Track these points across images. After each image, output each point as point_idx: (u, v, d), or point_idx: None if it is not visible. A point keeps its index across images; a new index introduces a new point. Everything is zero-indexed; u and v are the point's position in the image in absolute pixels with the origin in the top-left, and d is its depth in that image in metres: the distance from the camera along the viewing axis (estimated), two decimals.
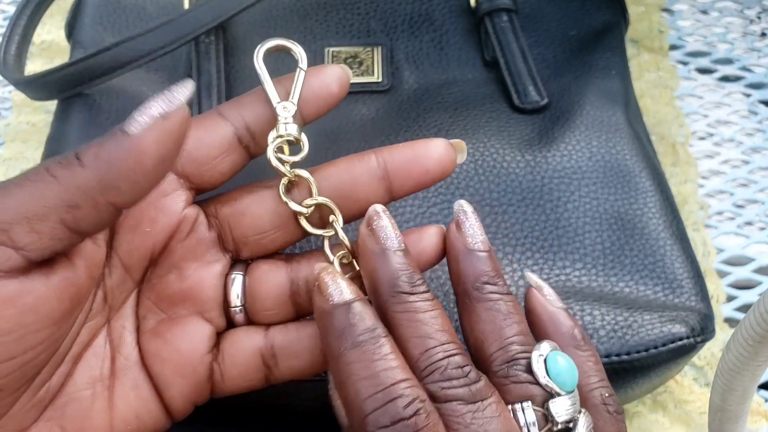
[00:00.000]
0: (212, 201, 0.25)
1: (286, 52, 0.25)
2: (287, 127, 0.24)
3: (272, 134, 0.24)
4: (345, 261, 0.25)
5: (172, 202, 0.23)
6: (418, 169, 0.24)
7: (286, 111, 0.24)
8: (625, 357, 0.30)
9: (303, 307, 0.24)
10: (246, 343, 0.24)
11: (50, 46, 0.47)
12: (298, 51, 0.25)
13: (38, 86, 0.36)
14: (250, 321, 0.25)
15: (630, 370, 0.30)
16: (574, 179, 0.33)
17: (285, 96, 0.24)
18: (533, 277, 0.25)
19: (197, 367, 0.24)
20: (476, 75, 0.38)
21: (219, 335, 0.25)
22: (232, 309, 0.24)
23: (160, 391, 0.24)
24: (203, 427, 0.32)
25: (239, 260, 0.25)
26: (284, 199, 0.24)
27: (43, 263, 0.20)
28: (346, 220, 0.25)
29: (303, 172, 0.24)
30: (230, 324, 0.25)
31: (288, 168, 0.24)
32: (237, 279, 0.24)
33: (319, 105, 0.25)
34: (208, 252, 0.24)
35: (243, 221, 0.24)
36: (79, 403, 0.23)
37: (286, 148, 0.24)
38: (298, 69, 0.24)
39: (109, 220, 0.21)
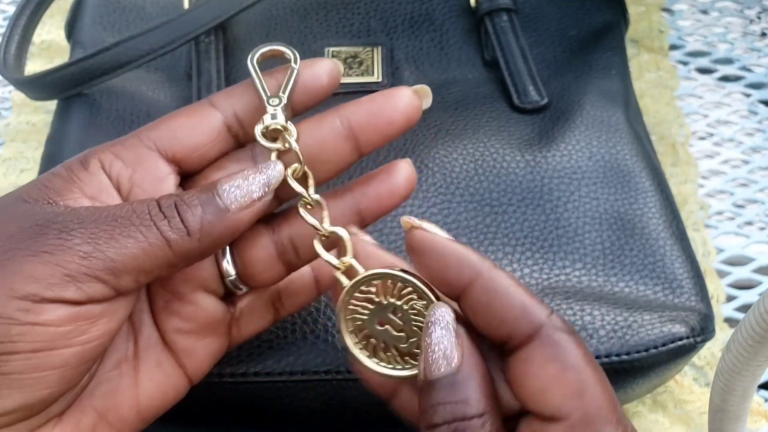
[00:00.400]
0: (188, 179, 0.25)
1: (280, 56, 0.26)
2: (273, 117, 0.24)
3: (260, 124, 0.24)
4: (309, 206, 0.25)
5: (164, 186, 0.24)
6: (382, 121, 0.25)
7: (273, 102, 0.24)
8: (625, 357, 0.30)
9: (293, 264, 0.25)
10: (255, 296, 0.26)
11: (50, 46, 0.47)
12: (292, 52, 0.25)
13: (38, 86, 0.36)
14: (248, 286, 0.26)
15: (630, 370, 0.30)
16: (574, 179, 0.33)
17: (276, 88, 0.25)
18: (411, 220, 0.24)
19: (217, 330, 0.26)
20: (476, 75, 0.38)
21: (233, 298, 0.26)
22: (228, 279, 0.25)
23: (183, 363, 0.25)
24: (204, 428, 0.32)
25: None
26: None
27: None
28: (318, 182, 0.25)
29: (292, 142, 0.24)
30: (232, 292, 0.26)
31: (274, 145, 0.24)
32: (225, 251, 0.25)
33: (310, 96, 0.25)
34: None
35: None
36: (109, 383, 0.24)
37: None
38: (290, 67, 0.25)
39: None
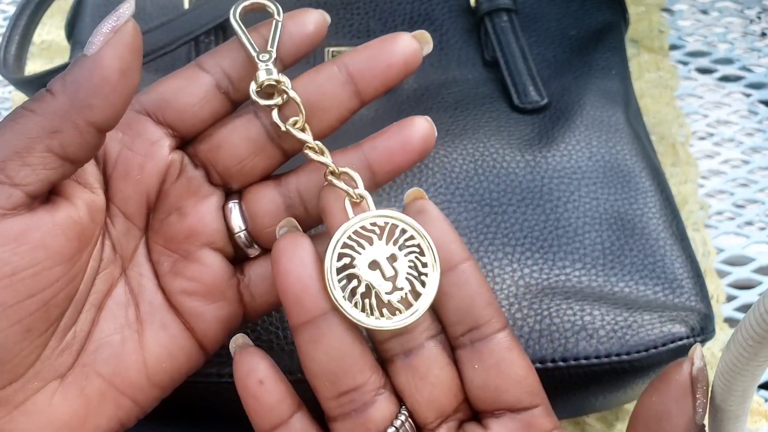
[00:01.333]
0: (191, 143, 0.25)
1: (262, 10, 0.26)
2: (267, 72, 0.24)
3: (253, 83, 0.24)
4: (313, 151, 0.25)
5: (158, 148, 0.24)
6: (380, 64, 0.24)
7: (263, 57, 0.24)
8: (625, 357, 0.30)
9: (301, 218, 0.25)
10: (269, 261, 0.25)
11: (50, 46, 0.47)
12: (274, 5, 0.25)
13: (38, 86, 0.36)
14: (256, 243, 0.26)
15: (630, 370, 0.30)
16: (574, 179, 0.33)
17: (263, 44, 0.25)
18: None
19: (225, 292, 0.25)
20: (476, 75, 0.38)
21: (242, 263, 0.26)
22: (236, 235, 0.25)
23: (191, 326, 0.25)
24: (204, 428, 0.32)
25: (232, 191, 0.26)
26: (277, 121, 0.24)
27: (45, 202, 0.22)
28: (321, 132, 0.25)
29: (291, 93, 0.24)
30: (240, 251, 0.26)
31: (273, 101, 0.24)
32: (233, 207, 0.25)
33: (297, 47, 0.25)
34: (201, 188, 0.25)
35: (221, 154, 0.25)
36: (110, 347, 0.24)
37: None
38: (274, 20, 0.25)
39: (94, 144, 0.22)
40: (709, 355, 0.37)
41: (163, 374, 0.24)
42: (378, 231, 0.23)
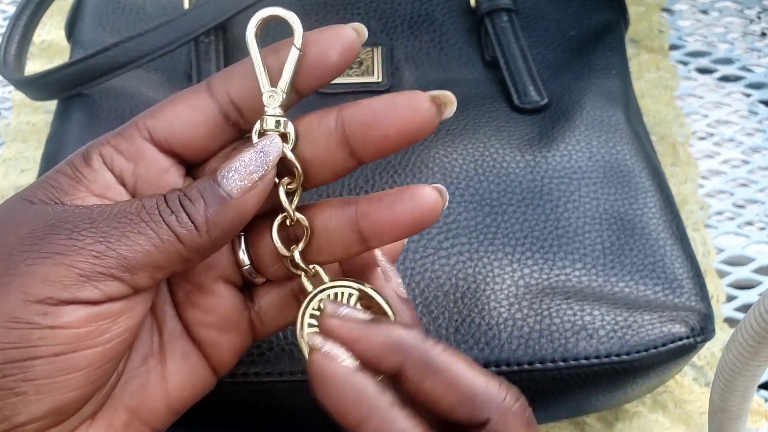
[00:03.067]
0: (199, 166, 0.25)
1: (279, 20, 0.23)
2: (273, 120, 0.23)
3: (257, 126, 0.23)
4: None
5: (171, 177, 0.24)
6: (378, 133, 0.22)
7: (272, 100, 0.23)
8: (625, 357, 0.30)
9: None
10: (278, 289, 0.25)
11: (50, 46, 0.47)
12: (295, 24, 0.22)
13: (38, 86, 0.36)
14: (264, 277, 0.25)
15: (630, 370, 0.30)
16: (574, 179, 0.33)
17: (278, 69, 0.22)
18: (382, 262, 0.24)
19: (239, 322, 0.25)
20: (476, 75, 0.38)
21: (252, 290, 0.26)
22: (244, 269, 0.25)
23: (207, 355, 0.25)
24: (204, 428, 0.32)
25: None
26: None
27: None
28: (317, 183, 0.24)
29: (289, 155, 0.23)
30: (246, 279, 0.25)
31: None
32: (239, 241, 0.25)
33: (316, 78, 0.23)
34: None
35: None
36: (137, 379, 0.24)
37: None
38: (292, 47, 0.22)
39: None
40: (709, 355, 0.37)
41: (182, 401, 0.25)
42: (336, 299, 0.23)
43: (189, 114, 0.23)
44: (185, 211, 0.21)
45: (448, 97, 0.23)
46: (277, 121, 0.23)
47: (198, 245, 0.21)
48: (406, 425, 0.21)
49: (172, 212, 0.21)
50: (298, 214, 0.23)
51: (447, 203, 0.23)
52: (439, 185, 0.23)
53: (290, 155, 0.23)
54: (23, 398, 0.20)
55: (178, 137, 0.23)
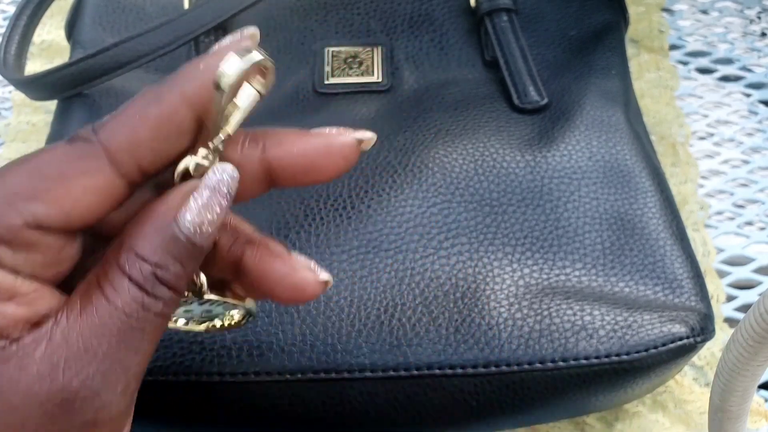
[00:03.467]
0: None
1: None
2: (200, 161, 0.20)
3: (180, 168, 0.21)
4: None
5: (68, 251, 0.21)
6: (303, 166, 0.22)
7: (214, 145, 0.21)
8: (624, 357, 0.30)
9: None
10: None
11: (50, 46, 0.47)
12: (269, 73, 0.21)
13: (38, 86, 0.36)
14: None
15: (630, 370, 0.30)
16: (574, 179, 0.33)
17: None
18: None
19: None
20: (476, 75, 0.38)
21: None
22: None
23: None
24: (204, 428, 0.32)
25: None
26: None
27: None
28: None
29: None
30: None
31: None
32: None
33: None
34: None
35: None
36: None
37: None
38: (249, 88, 0.21)
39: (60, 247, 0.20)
40: (709, 355, 0.37)
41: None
42: None
43: (73, 172, 0.19)
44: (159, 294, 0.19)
45: (371, 140, 0.23)
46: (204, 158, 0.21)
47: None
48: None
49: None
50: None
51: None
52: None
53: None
54: None
55: (76, 220, 0.20)
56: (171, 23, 0.34)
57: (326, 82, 0.37)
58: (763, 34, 0.48)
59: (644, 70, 0.46)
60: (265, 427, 0.32)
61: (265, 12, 0.39)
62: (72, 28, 0.39)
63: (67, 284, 0.21)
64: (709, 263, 0.40)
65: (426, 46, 0.38)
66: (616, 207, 0.33)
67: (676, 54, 0.47)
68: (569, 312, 0.30)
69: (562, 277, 0.31)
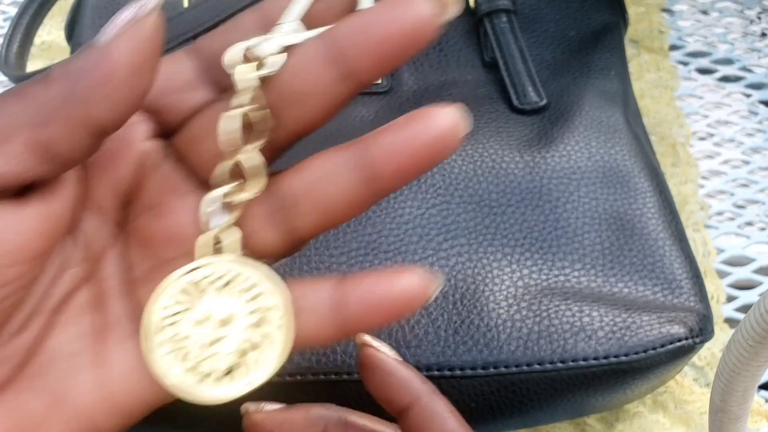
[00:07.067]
0: (174, 135, 0.22)
1: None
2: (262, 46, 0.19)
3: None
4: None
5: (132, 132, 0.21)
6: (375, 35, 0.19)
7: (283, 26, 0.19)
8: (623, 358, 0.30)
9: (289, 226, 0.21)
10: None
11: (50, 47, 0.47)
12: None
13: None
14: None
15: (629, 371, 0.30)
16: (573, 180, 0.33)
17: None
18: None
19: None
20: (475, 76, 0.38)
21: None
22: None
23: None
24: (203, 428, 0.32)
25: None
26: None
27: (14, 193, 0.19)
28: (307, 123, 0.20)
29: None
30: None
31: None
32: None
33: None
34: (182, 185, 0.21)
35: (201, 146, 0.21)
36: (61, 361, 0.20)
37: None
38: None
39: (87, 147, 0.19)
40: (709, 355, 0.37)
41: (125, 396, 0.20)
42: (225, 281, 0.20)
43: (168, 67, 0.21)
44: (46, 73, 0.18)
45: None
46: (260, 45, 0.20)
47: (47, 96, 0.18)
48: (446, 408, 0.23)
49: (32, 80, 0.18)
50: (251, 151, 0.20)
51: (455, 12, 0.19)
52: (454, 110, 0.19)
53: (250, 80, 0.19)
54: None
55: (153, 88, 0.20)
56: (169, 22, 0.35)
57: None
58: (763, 35, 0.48)
59: (644, 71, 0.46)
60: None
61: None
62: (72, 30, 0.40)
63: None
64: (709, 264, 0.39)
65: (425, 47, 0.38)
66: (615, 207, 0.33)
67: (676, 54, 0.47)
68: (568, 313, 0.30)
69: (561, 278, 0.31)
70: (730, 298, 0.39)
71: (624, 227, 0.33)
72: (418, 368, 0.29)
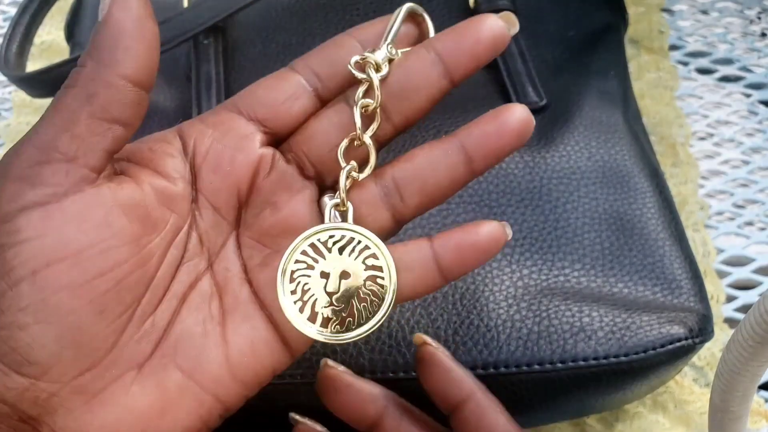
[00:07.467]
0: (283, 140, 0.26)
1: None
2: (375, 51, 0.24)
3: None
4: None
5: (249, 141, 0.24)
6: (468, 43, 0.24)
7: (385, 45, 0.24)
8: (623, 358, 0.30)
9: (397, 207, 0.25)
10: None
11: (50, 47, 0.47)
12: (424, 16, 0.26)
13: (39, 83, 0.36)
14: None
15: (629, 371, 0.30)
16: (572, 180, 0.33)
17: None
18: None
19: None
20: (475, 76, 0.37)
21: None
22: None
23: (275, 321, 0.24)
24: None
25: (327, 186, 0.26)
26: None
27: (111, 180, 0.23)
28: (413, 114, 0.25)
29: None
30: None
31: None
32: (327, 199, 0.25)
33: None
34: (294, 183, 0.25)
35: (313, 143, 0.25)
36: (191, 339, 0.24)
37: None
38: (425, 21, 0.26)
39: (136, 100, 0.22)
40: (709, 355, 0.37)
41: (245, 369, 0.24)
42: (343, 243, 0.24)
43: (272, 83, 0.25)
44: (78, 66, 0.23)
45: (511, 17, 0.25)
46: (375, 50, 0.24)
47: (85, 75, 0.22)
48: (497, 407, 0.26)
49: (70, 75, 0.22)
50: (367, 138, 0.24)
51: (516, 30, 0.25)
52: (504, 14, 0.25)
53: (374, 76, 0.24)
54: (27, 331, 0.21)
55: (262, 101, 0.25)
56: (169, 21, 0.35)
57: None
58: (763, 35, 0.48)
59: (644, 71, 0.46)
60: (265, 428, 0.32)
61: (264, 13, 0.39)
62: (72, 30, 0.40)
63: None
64: (709, 264, 0.39)
65: None
66: (615, 207, 0.33)
67: (676, 54, 0.47)
68: (568, 313, 0.30)
69: (561, 278, 0.31)
70: (730, 298, 0.39)
71: (624, 227, 0.33)
72: None
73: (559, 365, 0.29)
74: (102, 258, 0.22)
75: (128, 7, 0.22)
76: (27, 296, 0.21)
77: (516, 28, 0.25)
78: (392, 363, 0.29)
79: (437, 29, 0.39)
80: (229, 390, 0.24)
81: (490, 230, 0.24)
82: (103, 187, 0.22)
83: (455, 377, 0.25)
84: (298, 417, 0.27)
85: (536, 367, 0.29)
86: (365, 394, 0.26)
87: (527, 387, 0.30)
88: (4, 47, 0.38)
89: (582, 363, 0.29)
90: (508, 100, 0.36)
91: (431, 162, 0.24)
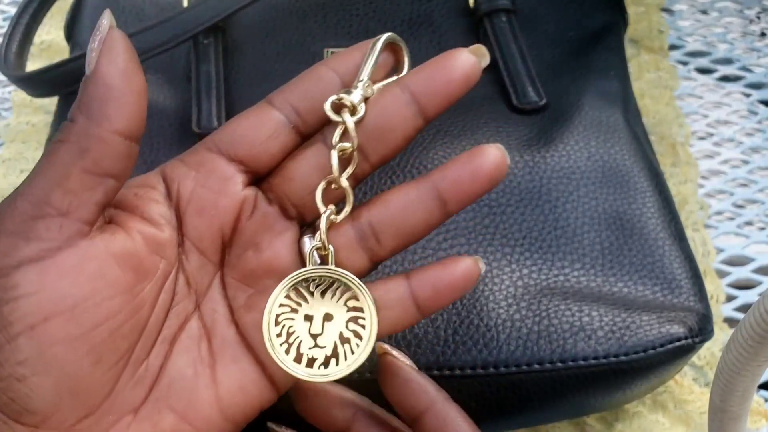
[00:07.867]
0: (264, 178, 0.26)
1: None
2: (349, 92, 0.24)
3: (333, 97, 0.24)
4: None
5: (231, 184, 0.25)
6: (441, 82, 0.24)
7: (361, 85, 0.24)
8: (623, 358, 0.30)
9: (373, 249, 0.25)
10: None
11: (50, 47, 0.47)
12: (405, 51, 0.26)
13: (38, 83, 0.36)
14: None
15: (628, 371, 0.30)
16: (572, 179, 0.33)
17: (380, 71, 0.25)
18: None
19: None
20: None
21: None
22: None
23: (262, 361, 0.25)
24: None
25: (307, 224, 0.26)
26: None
27: (103, 231, 0.23)
28: (388, 152, 0.25)
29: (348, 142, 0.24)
30: None
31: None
32: (307, 240, 0.25)
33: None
34: (276, 224, 0.25)
35: (293, 186, 0.25)
36: (183, 381, 0.24)
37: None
38: (377, 45, 0.25)
39: (126, 153, 0.23)
40: (709, 355, 0.37)
41: (235, 408, 0.24)
42: (325, 287, 0.25)
43: (251, 121, 0.25)
44: (68, 119, 0.23)
45: (480, 49, 0.25)
46: (348, 91, 0.24)
47: (78, 131, 0.22)
48: (459, 415, 0.25)
49: (59, 131, 0.22)
50: (344, 180, 0.24)
51: (487, 62, 0.25)
52: (474, 47, 0.25)
53: (349, 121, 0.24)
54: (25, 383, 0.21)
55: (242, 141, 0.25)
56: (169, 21, 0.35)
57: None
58: (763, 34, 0.48)
59: (644, 70, 0.46)
60: (265, 428, 0.32)
61: (263, 13, 0.39)
62: (71, 29, 0.40)
63: None
64: (708, 263, 0.39)
65: (425, 47, 0.38)
66: (615, 207, 0.33)
67: (676, 54, 0.47)
68: (568, 313, 0.30)
69: (561, 278, 0.31)
70: (730, 298, 0.39)
71: (624, 227, 0.33)
72: (418, 368, 0.29)
73: (559, 365, 0.29)
74: (97, 310, 0.22)
75: (115, 61, 0.22)
76: (25, 350, 0.21)
77: (487, 59, 0.25)
78: None
79: (437, 29, 0.39)
80: (220, 429, 0.24)
81: (465, 268, 0.25)
82: (96, 239, 0.22)
83: (414, 387, 0.25)
84: (274, 426, 0.27)
85: (536, 366, 0.29)
86: (335, 399, 0.26)
87: (527, 386, 0.30)
88: (4, 47, 0.38)
89: (582, 362, 0.29)
90: (508, 100, 0.36)
91: (406, 206, 0.24)
